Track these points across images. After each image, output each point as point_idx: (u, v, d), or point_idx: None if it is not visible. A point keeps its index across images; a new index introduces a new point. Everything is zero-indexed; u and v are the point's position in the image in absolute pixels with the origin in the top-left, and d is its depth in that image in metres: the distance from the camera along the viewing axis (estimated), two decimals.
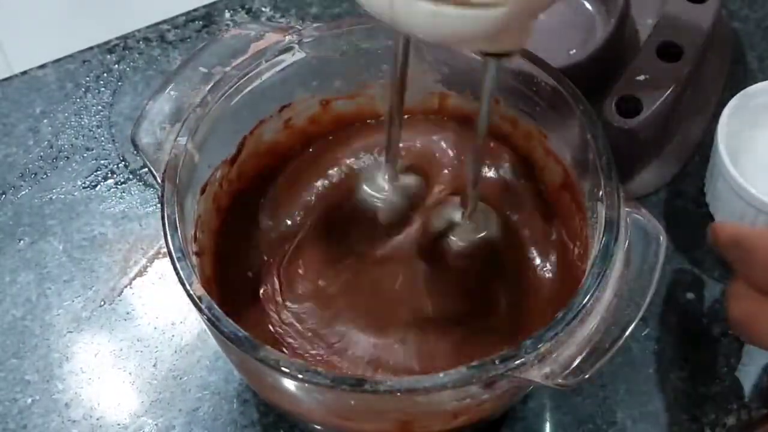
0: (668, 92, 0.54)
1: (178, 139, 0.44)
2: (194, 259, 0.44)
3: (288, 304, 0.48)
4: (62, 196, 0.58)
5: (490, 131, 0.51)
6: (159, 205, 0.43)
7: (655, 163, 0.57)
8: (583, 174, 0.45)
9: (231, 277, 0.49)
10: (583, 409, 0.50)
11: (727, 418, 0.50)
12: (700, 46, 0.56)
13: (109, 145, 0.61)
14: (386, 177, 0.49)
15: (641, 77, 0.54)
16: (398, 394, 0.37)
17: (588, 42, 0.57)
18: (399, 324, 0.47)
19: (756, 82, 0.55)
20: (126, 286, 0.55)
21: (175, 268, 0.40)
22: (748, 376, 0.51)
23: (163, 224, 0.42)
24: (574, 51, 0.57)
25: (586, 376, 0.37)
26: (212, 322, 0.39)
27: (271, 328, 0.47)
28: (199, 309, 0.39)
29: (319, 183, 0.51)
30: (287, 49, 0.47)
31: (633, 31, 0.60)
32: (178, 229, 0.42)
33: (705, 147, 0.58)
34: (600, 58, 0.56)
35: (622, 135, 0.53)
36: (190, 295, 0.40)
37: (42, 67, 0.64)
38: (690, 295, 0.54)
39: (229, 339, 0.38)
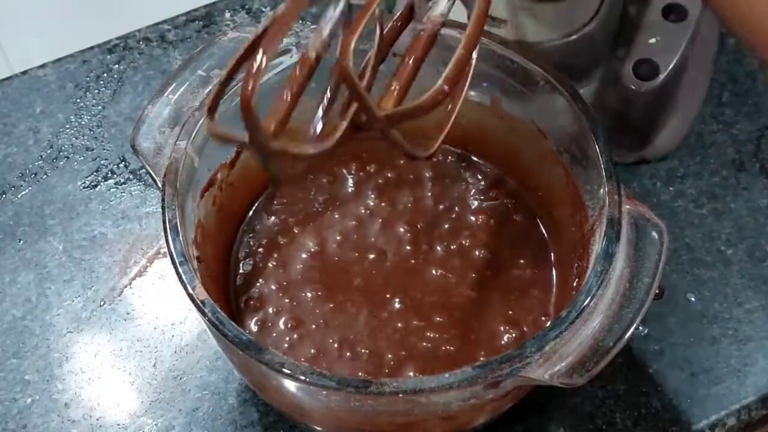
0: (681, 51, 0.55)
1: (178, 142, 0.44)
2: (195, 262, 0.44)
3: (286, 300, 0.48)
4: (62, 196, 0.58)
5: (489, 131, 0.51)
6: (159, 205, 0.43)
7: (673, 120, 0.58)
8: (584, 173, 0.45)
9: (231, 279, 0.49)
10: (583, 409, 0.51)
11: (727, 418, 0.50)
12: (701, 3, 0.57)
13: (109, 145, 0.61)
14: None
15: (653, 40, 0.55)
16: (402, 395, 0.37)
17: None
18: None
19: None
20: (126, 286, 0.55)
21: (177, 272, 0.40)
22: (748, 376, 0.51)
23: (165, 228, 0.42)
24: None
25: (591, 375, 0.38)
26: (215, 326, 0.39)
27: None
28: (202, 312, 0.39)
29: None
30: (285, 52, 0.47)
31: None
32: (180, 232, 0.42)
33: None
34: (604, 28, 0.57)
35: (643, 98, 0.54)
36: (192, 299, 0.40)
37: (42, 67, 0.64)
38: (690, 295, 0.54)
39: (233, 342, 0.38)
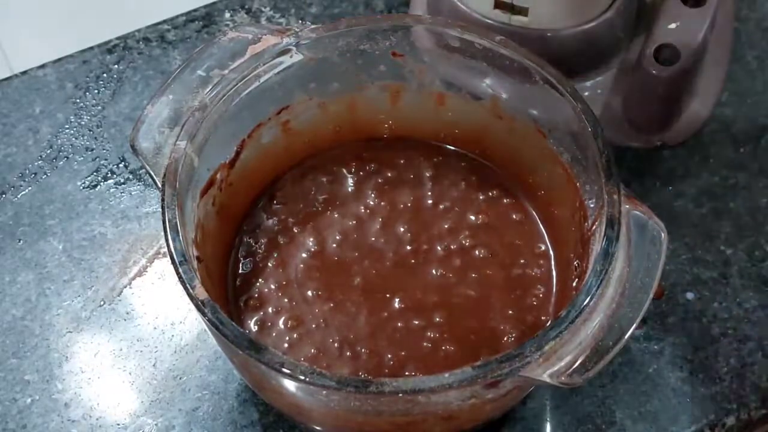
0: (702, 35, 0.55)
1: (177, 142, 0.44)
2: (195, 262, 0.44)
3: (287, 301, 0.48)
4: (62, 196, 0.58)
5: (489, 131, 0.51)
6: (159, 205, 0.43)
7: (694, 104, 0.59)
8: (583, 172, 0.45)
9: (231, 279, 0.49)
10: (582, 409, 0.51)
11: (727, 418, 0.50)
12: None
13: (109, 145, 0.61)
14: None
15: (673, 25, 0.56)
16: (402, 395, 0.37)
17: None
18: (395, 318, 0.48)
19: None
20: (126, 286, 0.55)
21: (178, 272, 0.40)
22: (748, 376, 0.51)
23: (165, 228, 0.42)
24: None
25: (591, 375, 0.38)
26: (215, 326, 0.39)
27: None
28: (202, 312, 0.39)
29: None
30: (285, 51, 0.47)
31: None
32: (180, 232, 0.42)
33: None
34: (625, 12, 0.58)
35: (664, 82, 0.55)
36: (192, 299, 0.40)
37: (42, 67, 0.64)
38: (690, 295, 0.54)
39: (233, 342, 0.38)
